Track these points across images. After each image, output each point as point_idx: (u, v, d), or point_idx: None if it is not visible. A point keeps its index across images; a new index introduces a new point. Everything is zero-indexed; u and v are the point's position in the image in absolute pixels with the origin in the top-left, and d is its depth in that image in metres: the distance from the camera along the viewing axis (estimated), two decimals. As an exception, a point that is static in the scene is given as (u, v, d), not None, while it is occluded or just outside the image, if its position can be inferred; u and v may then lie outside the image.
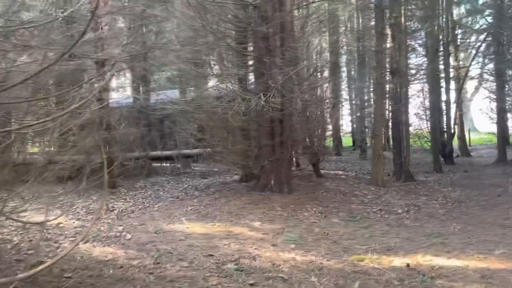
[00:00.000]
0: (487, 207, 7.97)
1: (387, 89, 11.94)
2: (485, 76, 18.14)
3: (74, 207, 8.38)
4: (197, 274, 4.23)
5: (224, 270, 4.38)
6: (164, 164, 14.53)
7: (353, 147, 23.50)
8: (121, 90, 18.00)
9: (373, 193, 9.30)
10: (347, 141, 27.19)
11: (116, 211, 7.95)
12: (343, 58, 22.40)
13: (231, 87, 7.69)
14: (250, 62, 9.26)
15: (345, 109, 28.86)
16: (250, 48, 9.34)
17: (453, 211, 7.83)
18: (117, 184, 11.02)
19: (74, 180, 11.56)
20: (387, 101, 11.95)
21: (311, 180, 10.49)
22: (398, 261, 4.74)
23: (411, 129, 15.85)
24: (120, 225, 6.66)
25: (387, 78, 11.23)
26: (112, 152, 10.42)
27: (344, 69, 24.30)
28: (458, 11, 21.14)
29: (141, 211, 7.92)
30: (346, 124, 31.92)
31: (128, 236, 5.85)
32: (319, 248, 5.34)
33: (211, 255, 4.87)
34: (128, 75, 17.89)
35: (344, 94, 27.73)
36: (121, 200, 8.95)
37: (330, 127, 21.27)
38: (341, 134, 33.38)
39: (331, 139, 21.33)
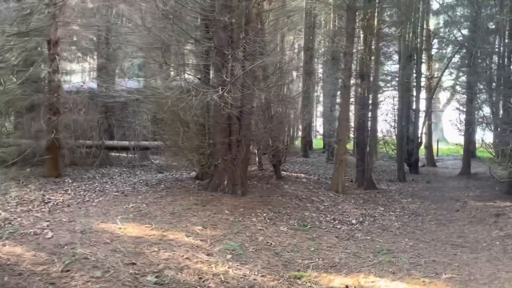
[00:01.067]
0: (443, 223, 7.73)
1: (355, 93, 11.66)
2: (457, 88, 18.16)
3: (7, 196, 7.65)
4: (107, 287, 3.70)
5: (140, 283, 3.87)
6: (122, 154, 13.82)
7: (323, 149, 23.29)
8: (84, 76, 17.14)
9: (330, 200, 8.94)
10: (319, 143, 27.03)
11: (50, 204, 7.29)
12: (320, 59, 22.10)
13: (183, 78, 7.13)
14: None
15: (319, 111, 28.77)
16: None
17: (408, 224, 7.54)
18: (63, 173, 10.32)
19: (19, 166, 10.87)
20: (354, 106, 11.64)
21: (270, 182, 10.05)
22: (338, 281, 4.34)
23: (379, 135, 15.74)
24: (47, 221, 6.03)
25: (355, 82, 10.91)
26: (59, 139, 9.71)
27: (321, 70, 24.03)
28: (435, 21, 21.17)
29: (79, 205, 7.28)
30: (320, 126, 31.84)
31: (49, 234, 5.24)
32: (257, 260, 4.88)
33: (133, 264, 4.34)
34: (93, 61, 17.06)
35: (321, 96, 27.56)
36: (61, 192, 8.26)
37: (299, 127, 21.03)
38: (314, 136, 33.33)
39: (300, 140, 21.09)
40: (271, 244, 5.55)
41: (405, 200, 9.82)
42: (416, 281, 4.43)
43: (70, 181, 9.49)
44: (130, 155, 13.48)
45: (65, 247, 4.71)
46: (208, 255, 4.89)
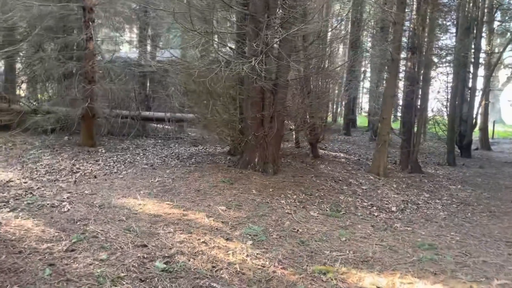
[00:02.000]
0: (497, 215, 6.91)
1: (405, 68, 10.70)
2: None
3: (38, 164, 7.65)
4: (109, 272, 3.40)
5: (146, 270, 3.54)
6: (159, 126, 13.71)
7: (367, 128, 22.27)
8: (127, 45, 17.06)
9: (370, 183, 8.29)
10: (364, 121, 25.90)
11: (78, 174, 7.19)
12: (369, 32, 20.78)
13: (214, 48, 6.62)
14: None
15: (366, 88, 27.41)
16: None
17: (456, 215, 6.79)
18: (98, 142, 10.29)
19: (57, 134, 10.97)
20: (404, 82, 10.70)
21: (305, 161, 9.50)
22: (369, 280, 3.81)
23: (429, 114, 14.62)
24: (69, 192, 5.89)
25: (406, 55, 9.97)
26: (93, 108, 9.61)
27: (370, 44, 22.65)
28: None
29: (106, 176, 7.13)
30: (366, 103, 30.44)
31: (67, 207, 5.06)
32: (280, 248, 4.43)
33: (143, 246, 4.02)
34: (135, 30, 16.90)
35: (368, 71, 26.18)
36: (92, 162, 8.17)
37: (342, 104, 20.08)
38: (359, 113, 32.03)
39: (342, 117, 20.16)
40: (297, 230, 5.08)
41: (453, 187, 8.96)
42: (462, 285, 3.82)
43: (103, 151, 9.43)
44: (167, 127, 13.34)
45: (78, 223, 4.48)
46: (227, 239, 4.50)
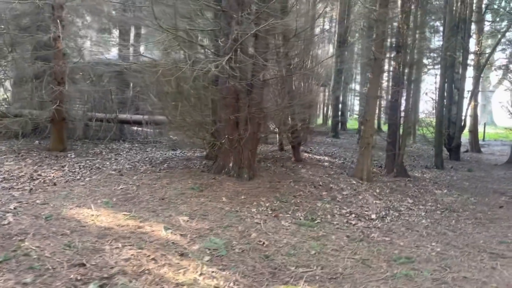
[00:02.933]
0: (483, 222, 6.52)
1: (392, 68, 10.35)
2: (511, 66, 16.23)
3: (-2, 170, 7.15)
4: (29, 299, 2.94)
5: (75, 295, 3.08)
6: (138, 129, 13.22)
7: (357, 130, 21.93)
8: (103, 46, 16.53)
9: (351, 189, 7.88)
10: (355, 123, 25.58)
11: (37, 181, 6.70)
12: (358, 31, 20.44)
13: (182, 45, 6.18)
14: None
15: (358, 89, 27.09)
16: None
17: (440, 222, 6.39)
18: (70, 147, 9.80)
19: (28, 138, 10.46)
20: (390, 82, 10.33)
21: (285, 165, 9.08)
22: (333, 302, 3.38)
23: (420, 116, 14.28)
24: (19, 202, 5.41)
25: (390, 54, 9.60)
26: (61, 111, 9.13)
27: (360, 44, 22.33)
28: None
29: (67, 183, 6.65)
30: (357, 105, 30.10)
31: (9, 220, 4.58)
32: (240, 265, 3.99)
33: (81, 265, 3.55)
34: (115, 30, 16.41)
35: (357, 73, 25.86)
36: (56, 168, 7.68)
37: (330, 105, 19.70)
38: (350, 115, 31.70)
39: (330, 119, 19.80)
40: (263, 243, 4.64)
41: (439, 192, 8.57)
42: (438, 307, 3.41)
43: (73, 156, 8.94)
44: (146, 130, 12.86)
45: (14, 238, 4.01)
46: (181, 255, 4.05)
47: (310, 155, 11.45)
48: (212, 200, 5.97)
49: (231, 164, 7.32)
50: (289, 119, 9.64)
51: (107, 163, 8.41)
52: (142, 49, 12.45)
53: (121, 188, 6.34)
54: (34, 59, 9.36)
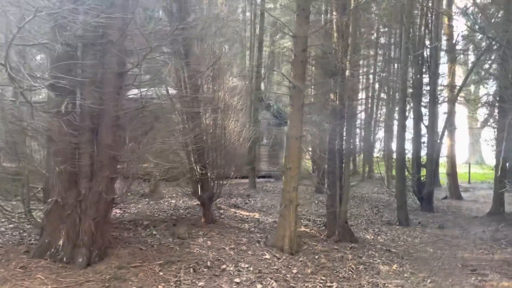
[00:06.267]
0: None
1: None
2: (484, 98, 14.31)
3: None
4: None
5: None
6: None
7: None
8: None
9: (255, 270, 5.41)
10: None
11: None
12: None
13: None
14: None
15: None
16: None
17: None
18: None
19: None
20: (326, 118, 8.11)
21: (178, 232, 6.60)
22: None
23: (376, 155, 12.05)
24: None
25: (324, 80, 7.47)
26: None
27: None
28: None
29: None
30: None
31: None
32: None
33: None
34: None
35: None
36: None
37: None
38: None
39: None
40: None
41: (386, 269, 6.12)
42: None
43: None
44: None
45: None
46: None
47: (238, 211, 9.03)
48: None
49: (61, 242, 4.87)
50: (197, 168, 7.34)
51: None
52: None
53: None
54: None
